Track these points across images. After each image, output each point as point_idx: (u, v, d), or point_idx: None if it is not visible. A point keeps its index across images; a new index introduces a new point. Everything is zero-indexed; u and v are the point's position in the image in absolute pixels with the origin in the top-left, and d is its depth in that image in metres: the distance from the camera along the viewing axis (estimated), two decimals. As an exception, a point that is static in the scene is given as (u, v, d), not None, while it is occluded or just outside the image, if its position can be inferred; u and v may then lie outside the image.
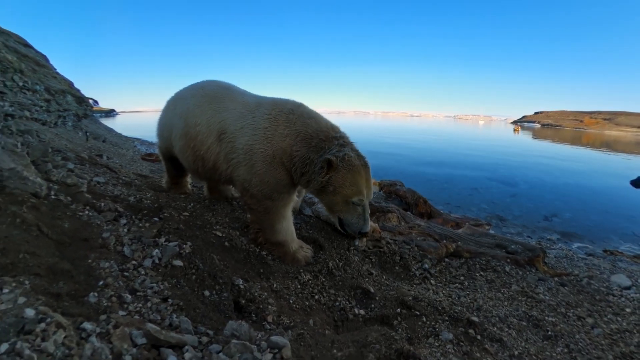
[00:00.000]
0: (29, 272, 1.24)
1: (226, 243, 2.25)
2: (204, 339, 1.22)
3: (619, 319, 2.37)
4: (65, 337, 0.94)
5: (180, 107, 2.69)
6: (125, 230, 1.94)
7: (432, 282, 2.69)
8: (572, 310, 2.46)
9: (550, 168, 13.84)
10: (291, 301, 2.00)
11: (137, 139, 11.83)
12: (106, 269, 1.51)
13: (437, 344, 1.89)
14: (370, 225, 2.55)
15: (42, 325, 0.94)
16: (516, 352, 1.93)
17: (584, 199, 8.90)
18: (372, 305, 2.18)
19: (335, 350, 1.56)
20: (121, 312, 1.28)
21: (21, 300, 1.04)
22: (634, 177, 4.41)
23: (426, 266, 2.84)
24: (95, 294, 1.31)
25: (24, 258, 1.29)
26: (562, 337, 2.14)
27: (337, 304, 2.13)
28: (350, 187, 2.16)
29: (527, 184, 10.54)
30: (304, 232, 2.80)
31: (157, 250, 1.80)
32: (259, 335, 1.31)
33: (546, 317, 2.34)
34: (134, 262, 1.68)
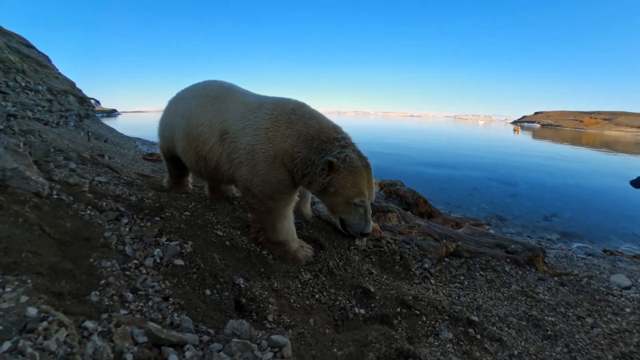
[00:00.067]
0: (31, 271, 1.25)
1: (227, 242, 2.25)
2: (205, 338, 1.23)
3: (619, 318, 2.38)
4: (67, 335, 0.95)
5: (182, 108, 2.70)
6: (127, 229, 1.95)
7: (432, 281, 2.70)
8: (571, 310, 2.47)
9: (550, 168, 13.84)
10: (292, 300, 2.00)
11: (139, 139, 11.84)
12: (108, 268, 1.51)
13: (437, 343, 1.89)
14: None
15: (44, 323, 0.94)
16: (516, 352, 1.93)
17: (584, 199, 8.91)
18: (372, 305, 2.18)
19: (335, 349, 1.56)
20: (122, 311, 1.28)
21: (23, 299, 1.04)
22: (634, 177, 4.41)
23: (426, 266, 2.84)
24: (97, 292, 1.32)
25: (26, 257, 1.30)
26: (562, 337, 2.14)
27: (338, 303, 2.13)
28: (352, 189, 2.15)
29: (527, 184, 10.54)
30: (304, 232, 2.81)
31: (158, 249, 1.81)
32: (260, 334, 1.31)
33: (546, 317, 2.34)
34: (135, 261, 1.69)
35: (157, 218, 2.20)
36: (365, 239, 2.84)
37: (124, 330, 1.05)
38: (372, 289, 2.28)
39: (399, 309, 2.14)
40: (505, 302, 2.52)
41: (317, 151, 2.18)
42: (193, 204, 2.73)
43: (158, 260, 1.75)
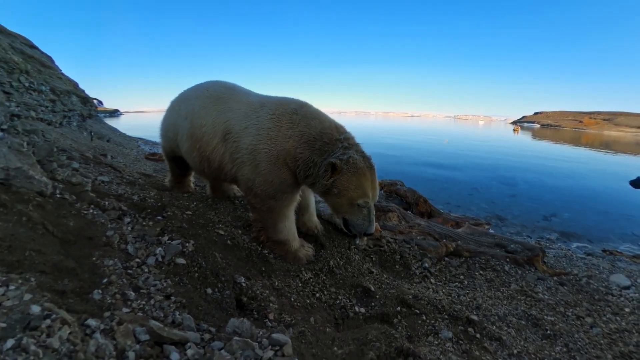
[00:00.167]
0: (34, 269, 1.26)
1: (228, 241, 2.26)
2: (206, 336, 1.24)
3: (618, 318, 2.39)
4: (70, 333, 0.96)
5: (185, 108, 2.70)
6: (129, 228, 1.96)
7: (432, 280, 2.70)
8: (571, 310, 2.47)
9: (549, 168, 13.84)
10: (292, 299, 2.01)
11: (141, 139, 11.83)
12: (110, 267, 1.52)
13: (436, 342, 1.90)
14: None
15: (48, 321, 0.95)
16: (515, 351, 1.94)
17: (583, 199, 8.91)
18: (373, 304, 2.19)
19: (335, 348, 1.57)
20: (125, 309, 1.30)
21: (27, 296, 1.05)
22: (634, 178, 4.41)
23: (426, 265, 2.85)
24: (100, 291, 1.33)
25: (29, 255, 1.31)
26: (561, 336, 2.15)
27: (338, 302, 2.14)
28: (356, 190, 2.14)
29: (527, 184, 10.54)
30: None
31: (160, 248, 1.82)
32: (261, 333, 1.32)
33: (545, 316, 2.35)
34: (137, 260, 1.70)
35: (159, 217, 2.21)
36: (365, 238, 2.85)
37: (126, 328, 1.06)
38: (373, 288, 2.29)
39: (399, 308, 2.15)
40: (505, 302, 2.52)
41: (319, 153, 2.17)
42: (195, 203, 2.74)
43: (160, 259, 1.76)
